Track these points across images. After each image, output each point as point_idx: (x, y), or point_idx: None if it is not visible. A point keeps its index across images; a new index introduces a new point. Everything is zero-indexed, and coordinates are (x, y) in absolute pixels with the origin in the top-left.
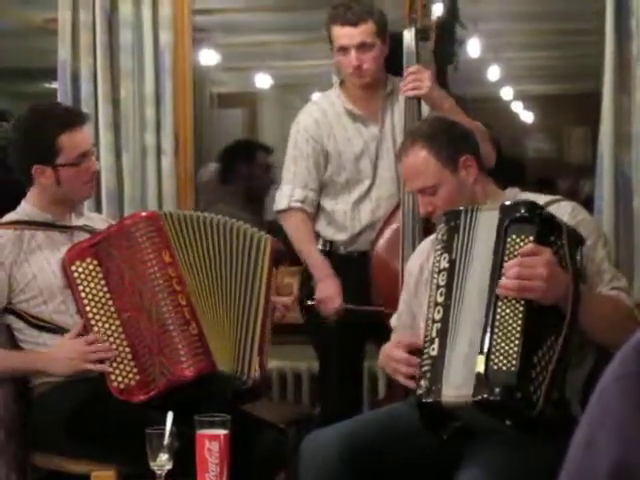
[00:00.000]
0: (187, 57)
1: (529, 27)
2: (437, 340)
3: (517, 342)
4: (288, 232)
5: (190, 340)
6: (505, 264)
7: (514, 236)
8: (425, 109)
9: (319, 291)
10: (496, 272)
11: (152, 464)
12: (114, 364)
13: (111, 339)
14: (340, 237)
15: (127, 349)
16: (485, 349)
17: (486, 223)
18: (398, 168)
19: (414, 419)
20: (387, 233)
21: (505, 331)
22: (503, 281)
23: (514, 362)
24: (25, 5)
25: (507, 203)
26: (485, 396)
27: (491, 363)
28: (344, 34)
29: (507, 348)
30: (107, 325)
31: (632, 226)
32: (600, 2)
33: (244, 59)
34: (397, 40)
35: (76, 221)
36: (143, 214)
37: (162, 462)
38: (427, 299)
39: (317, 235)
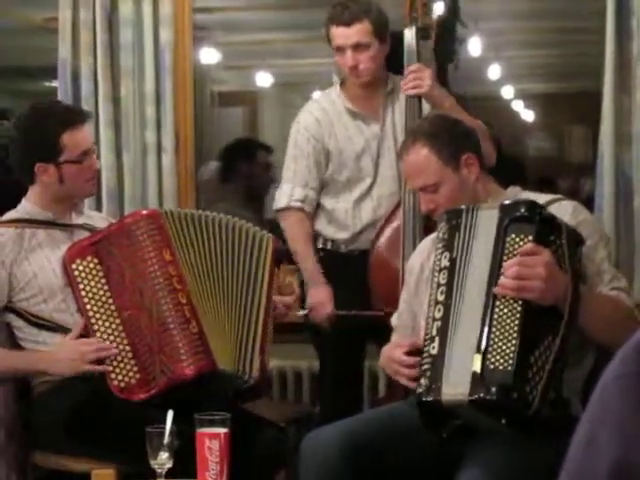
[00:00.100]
0: (187, 55)
1: (530, 26)
2: (437, 339)
3: (514, 342)
4: (285, 231)
5: (190, 339)
6: (504, 263)
7: (513, 235)
8: (426, 107)
9: (310, 297)
10: (495, 271)
11: (152, 463)
12: (114, 363)
13: (111, 338)
14: (341, 236)
15: (127, 348)
16: (482, 348)
17: (486, 222)
18: (399, 166)
19: (414, 418)
20: (388, 232)
21: (502, 330)
22: (501, 280)
23: (511, 362)
24: (25, 4)
25: (507, 202)
26: (481, 395)
27: (488, 362)
28: (340, 34)
29: (504, 347)
30: (107, 324)
31: (632, 225)
32: (601, 1)
33: (245, 57)
34: (397, 39)
35: (76, 219)
36: (144, 212)
37: (162, 461)
38: (428, 298)
39: (318, 234)
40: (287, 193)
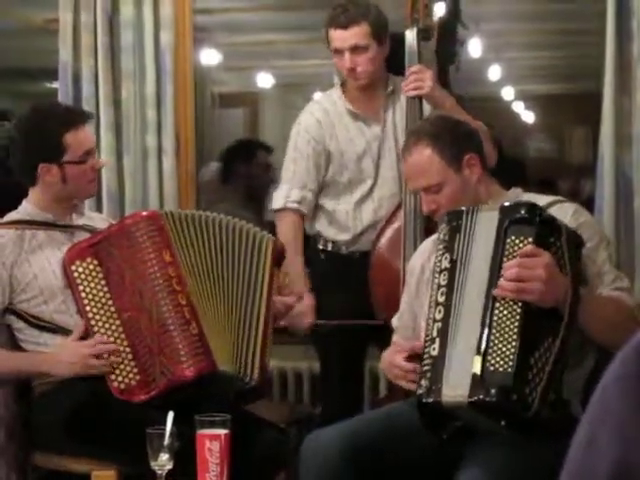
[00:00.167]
0: (188, 57)
1: (530, 27)
2: (438, 340)
3: (514, 343)
4: (278, 232)
5: (190, 340)
6: (504, 265)
7: (513, 237)
8: (427, 109)
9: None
10: (495, 273)
11: (153, 464)
12: (114, 364)
13: (111, 339)
14: (342, 237)
15: (127, 349)
16: (482, 350)
17: (486, 224)
18: (400, 167)
19: (414, 418)
20: (388, 233)
21: (502, 332)
22: (501, 282)
23: (510, 363)
24: (26, 5)
25: (507, 204)
26: (481, 397)
27: (487, 364)
28: (337, 37)
29: (504, 349)
30: (107, 325)
31: (633, 227)
32: (601, 3)
33: (245, 59)
34: (397, 40)
35: (77, 221)
36: (144, 213)
37: (163, 462)
38: (428, 299)
39: (319, 235)
40: (284, 194)
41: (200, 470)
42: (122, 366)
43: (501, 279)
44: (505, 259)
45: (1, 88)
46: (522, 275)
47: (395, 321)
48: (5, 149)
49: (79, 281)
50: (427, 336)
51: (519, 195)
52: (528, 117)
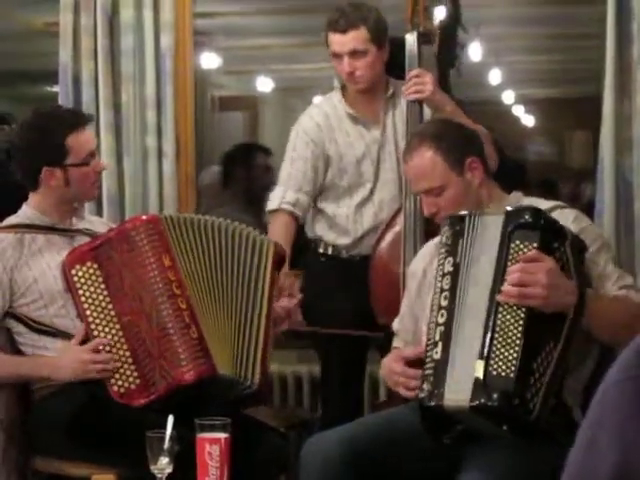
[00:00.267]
0: (188, 61)
1: (530, 31)
2: (440, 344)
3: (517, 348)
4: (270, 231)
5: (190, 344)
6: (507, 269)
7: (518, 242)
8: (427, 112)
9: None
10: (499, 277)
11: (152, 468)
12: (114, 368)
13: (111, 343)
14: (342, 241)
15: (127, 353)
16: (485, 354)
17: (491, 228)
18: (402, 170)
19: (414, 422)
20: (389, 237)
21: (505, 337)
22: (504, 287)
23: (513, 368)
24: (26, 8)
25: (512, 208)
26: (482, 401)
27: (490, 368)
28: (336, 41)
29: (507, 354)
30: (107, 329)
31: (633, 230)
32: (601, 6)
33: (245, 62)
34: (397, 44)
35: (77, 225)
36: (143, 218)
37: (162, 466)
38: (430, 302)
39: (319, 239)
40: (279, 195)
41: (200, 474)
42: (122, 370)
43: (505, 284)
44: (509, 263)
45: (1, 91)
46: (524, 280)
47: (396, 324)
48: (5, 152)
49: (79, 285)
50: (429, 340)
51: (520, 199)
52: (528, 121)
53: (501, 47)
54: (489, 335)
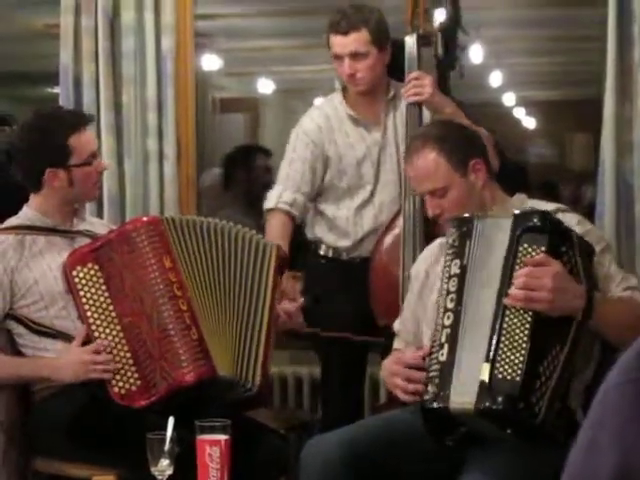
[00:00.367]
0: (189, 62)
1: (531, 33)
2: (446, 346)
3: (523, 352)
4: (267, 230)
5: (191, 345)
6: (514, 273)
7: (526, 245)
8: (426, 115)
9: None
10: (506, 280)
11: (153, 469)
12: (115, 369)
13: (112, 344)
14: (342, 243)
15: (128, 354)
16: (491, 357)
17: (498, 230)
18: (404, 171)
19: (415, 425)
20: (389, 239)
21: (512, 340)
22: (511, 291)
23: (519, 372)
24: (27, 10)
25: (520, 212)
26: (487, 405)
27: (496, 372)
28: (337, 43)
29: (513, 357)
30: (108, 330)
31: (634, 232)
32: (602, 8)
33: (246, 64)
34: (399, 46)
35: (77, 226)
36: (144, 219)
37: (163, 467)
38: (435, 304)
39: (319, 241)
40: (276, 194)
41: (200, 476)
42: (122, 371)
43: (512, 287)
44: (517, 267)
45: (2, 93)
46: (530, 284)
47: (397, 325)
48: (5, 153)
49: (80, 286)
50: (435, 342)
51: (524, 201)
52: (529, 123)
53: (502, 49)
54: (495, 338)
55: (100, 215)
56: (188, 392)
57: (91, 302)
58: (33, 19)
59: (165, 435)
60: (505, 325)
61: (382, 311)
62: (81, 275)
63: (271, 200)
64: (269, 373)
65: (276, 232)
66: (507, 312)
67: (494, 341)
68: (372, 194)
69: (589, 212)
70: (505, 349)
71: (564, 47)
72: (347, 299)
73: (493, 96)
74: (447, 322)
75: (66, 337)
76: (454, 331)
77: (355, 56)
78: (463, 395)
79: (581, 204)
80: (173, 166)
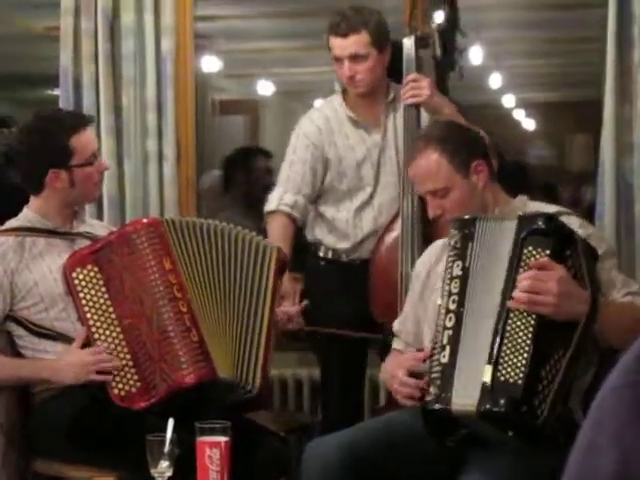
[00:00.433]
0: (189, 64)
1: (531, 35)
2: (448, 347)
3: (526, 355)
4: (269, 232)
5: (191, 347)
6: (518, 276)
7: (530, 248)
8: (424, 116)
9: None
10: (510, 283)
11: (153, 471)
12: (115, 371)
13: (112, 346)
14: (342, 245)
15: (128, 356)
16: (493, 360)
17: (502, 232)
18: (401, 173)
19: (414, 427)
20: (388, 240)
21: (515, 343)
22: (515, 294)
23: (521, 375)
24: (27, 12)
25: (525, 214)
26: (488, 407)
27: (498, 374)
28: (337, 45)
29: (515, 360)
30: (108, 332)
31: (633, 233)
32: (602, 10)
33: (246, 66)
34: (399, 48)
35: (77, 228)
36: (144, 221)
37: (163, 469)
38: (437, 305)
39: (319, 243)
40: (277, 197)
41: (200, 477)
42: (122, 373)
43: (516, 290)
44: (521, 270)
45: (2, 95)
46: (535, 287)
47: (396, 325)
48: (5, 155)
49: (80, 288)
50: (436, 343)
51: (525, 203)
52: (529, 124)
53: (501, 51)
54: (498, 340)
55: (100, 217)
56: (188, 394)
57: (91, 304)
58: (33, 21)
59: (165, 437)
60: (508, 327)
61: (381, 312)
62: (81, 277)
63: (272, 202)
64: (269, 375)
65: (278, 234)
66: (510, 315)
67: (497, 343)
68: (372, 196)
69: (589, 213)
70: (508, 352)
71: (564, 48)
72: (347, 301)
73: (493, 98)
74: (449, 324)
75: (66, 339)
76: (456, 333)
77: (355, 58)
78: (465, 397)
79: (581, 205)
80: (173, 168)
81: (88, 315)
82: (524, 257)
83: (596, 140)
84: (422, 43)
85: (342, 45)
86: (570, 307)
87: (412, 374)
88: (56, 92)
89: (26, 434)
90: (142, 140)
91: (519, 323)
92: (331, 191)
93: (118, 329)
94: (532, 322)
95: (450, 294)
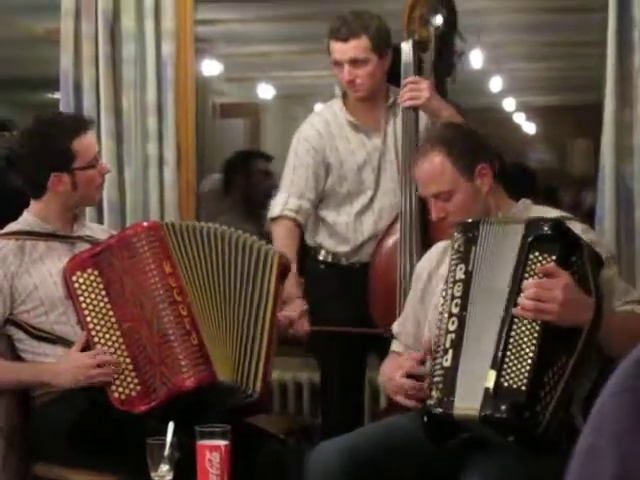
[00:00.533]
0: (189, 68)
1: (531, 39)
2: (451, 351)
3: (529, 361)
4: (274, 240)
5: (191, 350)
6: (524, 282)
7: (537, 253)
8: (423, 120)
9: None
10: (515, 288)
11: (153, 475)
12: (115, 374)
13: (112, 349)
14: (342, 249)
15: (128, 359)
16: (497, 365)
17: (508, 237)
18: (401, 177)
19: (413, 430)
20: (388, 244)
21: (519, 349)
22: (521, 301)
23: (525, 381)
24: (27, 15)
25: (533, 219)
26: (491, 412)
27: (502, 379)
28: (337, 49)
29: (519, 366)
30: (108, 336)
31: (633, 237)
32: (602, 13)
33: (246, 69)
34: (398, 52)
35: (77, 232)
36: (144, 224)
37: (163, 473)
38: (439, 308)
39: (319, 247)
40: (281, 202)
41: None
42: (122, 377)
43: (521, 296)
44: (526, 275)
45: (2, 98)
46: (540, 295)
47: (396, 327)
48: (5, 159)
49: (80, 292)
50: (439, 347)
51: (528, 207)
52: (529, 128)
53: (502, 55)
54: (502, 346)
55: (100, 220)
56: (188, 397)
57: (91, 307)
58: (33, 24)
59: (165, 440)
60: (513, 333)
61: (381, 316)
62: (81, 280)
63: (276, 208)
64: (270, 380)
65: (284, 240)
66: (515, 320)
67: (501, 349)
68: (372, 200)
69: (589, 217)
70: (512, 357)
71: (564, 52)
72: (346, 304)
73: (493, 101)
74: (452, 327)
75: (66, 342)
76: (458, 337)
77: (355, 62)
78: (467, 401)
79: (581, 209)
80: (173, 171)
81: (88, 319)
82: (530, 262)
83: (596, 144)
84: (420, 47)
85: (342, 49)
86: (575, 314)
87: (411, 376)
88: (56, 95)
89: (26, 438)
90: (142, 143)
91: (524, 329)
92: (332, 195)
93: (118, 333)
94: (537, 328)
95: (453, 298)
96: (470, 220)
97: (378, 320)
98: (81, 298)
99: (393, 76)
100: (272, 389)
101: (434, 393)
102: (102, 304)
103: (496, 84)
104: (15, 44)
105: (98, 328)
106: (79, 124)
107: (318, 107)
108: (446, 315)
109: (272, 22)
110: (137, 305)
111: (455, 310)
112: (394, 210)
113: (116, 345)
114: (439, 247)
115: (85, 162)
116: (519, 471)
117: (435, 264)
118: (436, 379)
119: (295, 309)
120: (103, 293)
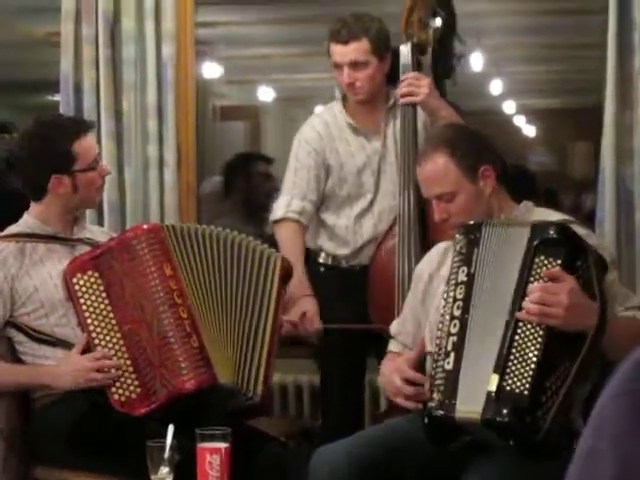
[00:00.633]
0: (190, 70)
1: (531, 41)
2: (452, 354)
3: (532, 365)
4: (279, 242)
5: (191, 353)
6: (529, 286)
7: (542, 257)
8: (421, 118)
9: (296, 311)
10: (519, 291)
11: (153, 477)
12: (115, 377)
13: (112, 352)
14: (342, 252)
15: (128, 362)
16: (500, 369)
17: (510, 239)
18: (400, 178)
19: (412, 431)
20: (387, 247)
21: (522, 353)
22: (525, 305)
23: (527, 385)
24: (27, 18)
25: (538, 222)
26: (492, 416)
27: (504, 383)
28: (337, 52)
29: (522, 370)
30: (108, 338)
31: (634, 240)
32: (603, 16)
33: (247, 72)
34: (398, 55)
35: (78, 234)
36: (145, 227)
37: (163, 475)
38: (440, 310)
39: (319, 249)
40: (284, 204)
41: None
42: (123, 379)
43: (526, 300)
44: (532, 278)
45: (2, 100)
46: (546, 300)
47: (394, 327)
48: (5, 161)
49: (80, 294)
50: (440, 349)
51: (530, 209)
52: (529, 131)
53: (502, 57)
54: (505, 350)
55: (100, 223)
56: (188, 400)
57: (91, 309)
58: (34, 27)
59: (165, 443)
60: (517, 337)
61: (381, 318)
62: (81, 283)
63: (279, 210)
64: (270, 383)
65: (290, 242)
66: (519, 324)
67: (504, 353)
68: (372, 203)
69: (589, 220)
70: (515, 361)
71: (564, 55)
72: (346, 306)
73: (493, 104)
74: (453, 330)
75: (66, 345)
76: (460, 340)
77: (355, 65)
78: (469, 405)
79: (581, 212)
80: (173, 173)
81: (88, 321)
82: (535, 266)
83: (596, 147)
84: (419, 50)
85: (342, 52)
86: (579, 319)
87: (409, 381)
88: (57, 98)
89: (26, 440)
90: (143, 146)
91: (527, 333)
92: (332, 197)
93: (118, 335)
94: (541, 333)
95: (455, 300)
96: (472, 222)
97: (378, 322)
98: (81, 300)
99: (392, 79)
100: (273, 392)
101: (435, 395)
102: (102, 306)
103: (496, 87)
104: (15, 47)
105: (98, 330)
106: (79, 126)
107: (318, 109)
108: (448, 317)
109: (272, 25)
110: (137, 307)
111: (457, 312)
112: (394, 213)
113: (116, 347)
114: (439, 248)
115: (85, 164)
116: (520, 474)
117: (436, 265)
118: (438, 381)
119: (299, 310)
120: (103, 295)
